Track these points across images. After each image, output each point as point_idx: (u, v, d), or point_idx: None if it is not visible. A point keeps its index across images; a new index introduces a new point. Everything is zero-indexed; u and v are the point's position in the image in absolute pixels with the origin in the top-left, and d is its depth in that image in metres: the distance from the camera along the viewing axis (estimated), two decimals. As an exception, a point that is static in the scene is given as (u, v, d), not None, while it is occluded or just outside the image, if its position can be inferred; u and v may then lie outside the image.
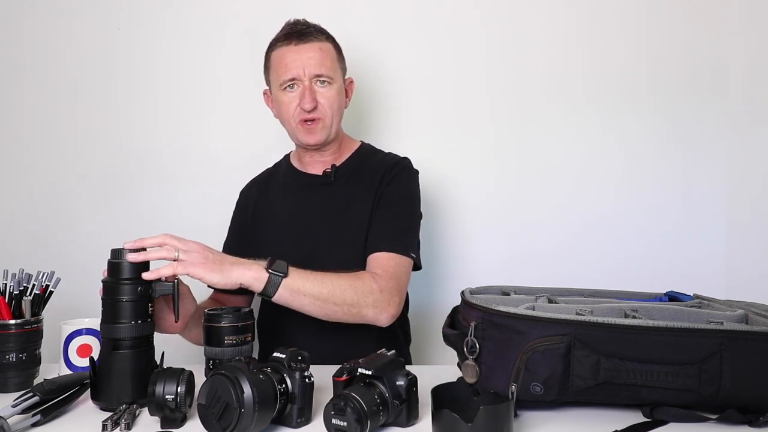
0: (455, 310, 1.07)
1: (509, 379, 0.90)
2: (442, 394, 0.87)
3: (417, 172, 1.46)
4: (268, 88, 1.46)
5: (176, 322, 1.08)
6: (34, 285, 1.18)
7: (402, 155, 1.48)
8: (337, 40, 1.44)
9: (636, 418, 0.92)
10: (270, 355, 0.92)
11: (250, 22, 1.85)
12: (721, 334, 0.88)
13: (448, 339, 1.01)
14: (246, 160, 1.80)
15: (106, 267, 1.03)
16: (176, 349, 1.23)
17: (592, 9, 1.82)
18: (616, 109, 1.82)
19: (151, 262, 1.04)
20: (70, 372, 1.13)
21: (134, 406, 0.96)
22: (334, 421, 0.83)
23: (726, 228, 1.81)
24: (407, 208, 1.40)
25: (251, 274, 1.11)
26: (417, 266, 1.37)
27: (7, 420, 0.86)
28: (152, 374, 0.91)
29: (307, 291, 1.16)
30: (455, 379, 0.96)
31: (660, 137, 1.82)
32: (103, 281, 1.02)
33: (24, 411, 0.91)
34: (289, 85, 1.37)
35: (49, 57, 1.90)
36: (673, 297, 1.16)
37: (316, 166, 1.47)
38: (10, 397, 0.93)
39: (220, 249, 1.48)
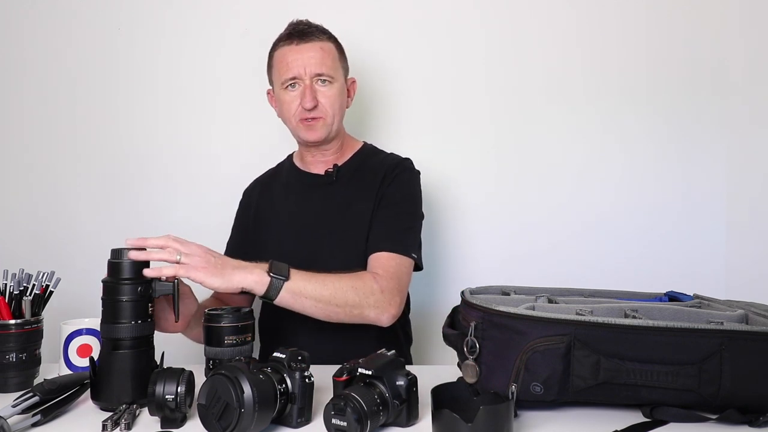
0: (455, 310, 1.07)
1: (509, 379, 0.90)
2: (442, 394, 0.87)
3: (418, 172, 1.46)
4: (271, 87, 1.47)
5: (176, 321, 1.08)
6: (34, 285, 1.18)
7: (402, 155, 1.49)
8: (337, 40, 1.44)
9: (636, 418, 0.92)
10: (270, 355, 0.93)
11: (250, 22, 1.85)
12: (721, 334, 0.88)
13: (448, 339, 1.01)
14: (246, 160, 1.81)
15: (106, 267, 1.03)
16: (176, 349, 1.23)
17: (592, 9, 1.82)
18: (616, 109, 1.82)
19: (151, 262, 1.04)
20: (70, 372, 1.13)
21: (134, 406, 0.96)
22: (334, 421, 0.83)
23: (726, 228, 1.81)
24: (408, 208, 1.40)
25: (253, 278, 1.11)
26: (418, 266, 1.37)
27: (7, 420, 0.86)
28: (152, 374, 0.91)
29: (309, 293, 1.16)
30: (455, 379, 0.96)
31: (660, 137, 1.82)
32: (103, 281, 1.02)
33: (24, 411, 0.91)
34: (290, 84, 1.38)
35: (49, 57, 1.90)
36: (673, 297, 1.16)
37: (318, 165, 1.47)
38: (10, 397, 0.93)
39: (222, 249, 1.48)
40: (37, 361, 1.14)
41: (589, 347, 0.89)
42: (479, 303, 0.95)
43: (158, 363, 1.04)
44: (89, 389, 1.00)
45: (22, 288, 1.16)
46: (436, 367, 1.26)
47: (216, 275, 1.07)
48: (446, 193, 1.82)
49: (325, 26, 1.43)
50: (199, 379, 0.93)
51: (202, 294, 1.25)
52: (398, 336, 1.43)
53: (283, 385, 0.88)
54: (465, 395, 0.91)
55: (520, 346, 0.90)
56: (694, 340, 0.88)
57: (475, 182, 1.84)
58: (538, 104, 1.83)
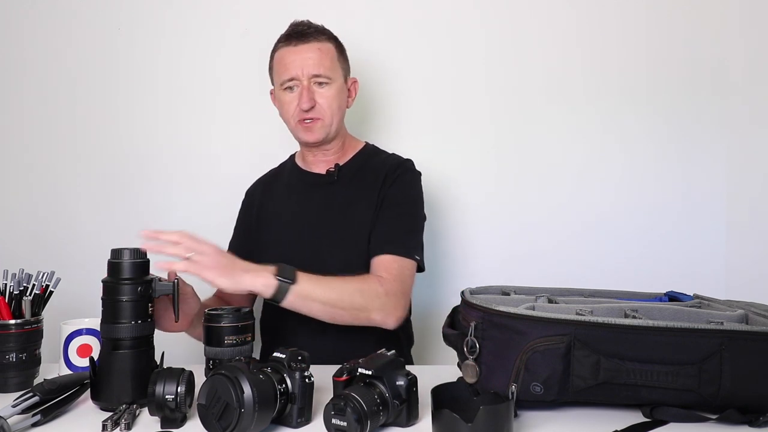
0: (455, 310, 1.07)
1: (509, 379, 0.90)
2: (442, 394, 0.87)
3: (420, 174, 1.47)
4: (273, 87, 1.47)
5: (176, 321, 1.08)
6: (34, 285, 1.18)
7: (402, 156, 1.49)
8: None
9: (636, 418, 0.92)
10: (271, 354, 0.93)
11: (250, 22, 1.85)
12: (721, 334, 0.88)
13: (448, 339, 1.01)
14: (246, 160, 1.81)
15: (106, 267, 1.03)
16: (176, 349, 1.23)
17: (592, 9, 1.82)
18: (616, 109, 1.82)
19: (151, 263, 1.04)
20: (70, 372, 1.13)
21: (134, 406, 0.96)
22: (334, 421, 0.83)
23: (726, 228, 1.81)
24: (410, 210, 1.41)
25: (261, 281, 1.13)
26: (420, 268, 1.38)
27: (7, 420, 0.86)
28: (152, 374, 0.91)
29: (316, 296, 1.17)
30: (455, 379, 0.96)
31: (660, 137, 1.82)
32: (103, 281, 1.02)
33: (24, 411, 0.91)
34: (288, 85, 1.38)
35: (49, 57, 1.90)
36: (673, 297, 1.16)
37: (319, 165, 1.48)
38: (10, 397, 0.93)
39: (223, 249, 1.49)
40: (37, 361, 1.14)
41: (589, 347, 0.89)
42: (479, 303, 0.95)
43: (158, 363, 1.04)
44: (89, 389, 1.00)
45: (22, 288, 1.16)
46: (436, 367, 1.26)
47: (225, 276, 1.09)
48: (446, 193, 1.82)
49: (326, 26, 1.43)
50: (199, 379, 0.93)
51: (204, 293, 1.25)
52: (399, 337, 1.43)
53: (283, 385, 0.88)
54: (465, 395, 0.91)
55: (520, 346, 0.90)
56: (694, 340, 0.88)
57: (475, 182, 1.84)
58: (538, 104, 1.83)
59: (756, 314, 0.97)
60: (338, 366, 0.93)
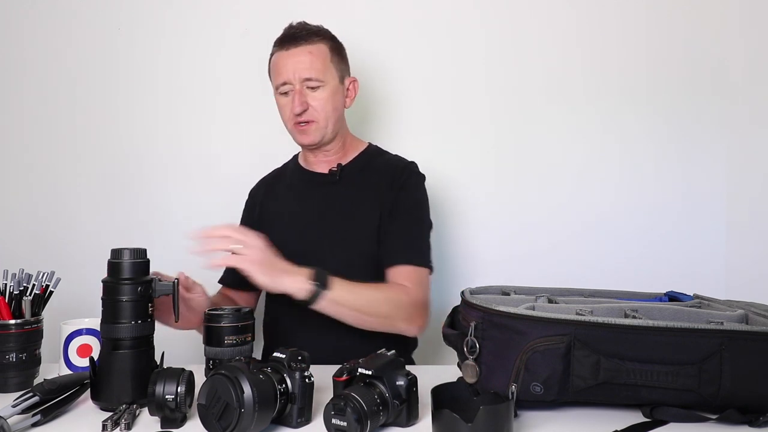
0: (455, 310, 1.07)
1: (509, 379, 0.90)
2: (442, 394, 0.87)
3: (424, 176, 1.48)
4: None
5: (176, 321, 1.08)
6: (34, 285, 1.18)
7: (402, 156, 1.49)
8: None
9: (636, 418, 0.92)
10: (271, 354, 0.93)
11: (250, 22, 1.85)
12: (721, 334, 0.88)
13: (448, 339, 1.01)
14: (246, 160, 1.81)
15: (106, 267, 1.03)
16: (176, 349, 1.23)
17: (592, 9, 1.82)
18: (616, 109, 1.82)
19: (151, 263, 1.04)
20: (70, 372, 1.13)
21: (134, 406, 0.96)
22: (334, 421, 0.83)
23: (726, 228, 1.81)
24: (420, 215, 1.43)
25: (297, 285, 1.16)
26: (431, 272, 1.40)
27: (7, 420, 0.86)
28: (152, 374, 0.91)
29: (347, 303, 1.21)
30: (455, 379, 0.96)
31: (660, 137, 1.82)
32: (103, 281, 1.02)
33: (24, 411, 0.91)
34: (283, 90, 1.39)
35: (49, 57, 1.90)
36: (673, 297, 1.16)
37: (321, 165, 1.48)
38: (10, 397, 0.93)
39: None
40: (37, 361, 1.14)
41: (589, 347, 0.89)
42: (479, 303, 0.95)
43: (158, 363, 1.04)
44: (89, 389, 1.00)
45: (22, 288, 1.16)
46: (436, 367, 1.26)
47: (266, 273, 1.12)
48: (446, 193, 1.82)
49: (325, 26, 1.43)
50: (199, 379, 0.93)
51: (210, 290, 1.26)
52: (400, 339, 1.43)
53: (283, 385, 0.88)
54: (465, 395, 0.91)
55: (520, 346, 0.90)
56: (694, 340, 0.88)
57: (475, 182, 1.84)
58: (538, 104, 1.83)
59: (756, 314, 0.97)
60: (338, 366, 0.93)
